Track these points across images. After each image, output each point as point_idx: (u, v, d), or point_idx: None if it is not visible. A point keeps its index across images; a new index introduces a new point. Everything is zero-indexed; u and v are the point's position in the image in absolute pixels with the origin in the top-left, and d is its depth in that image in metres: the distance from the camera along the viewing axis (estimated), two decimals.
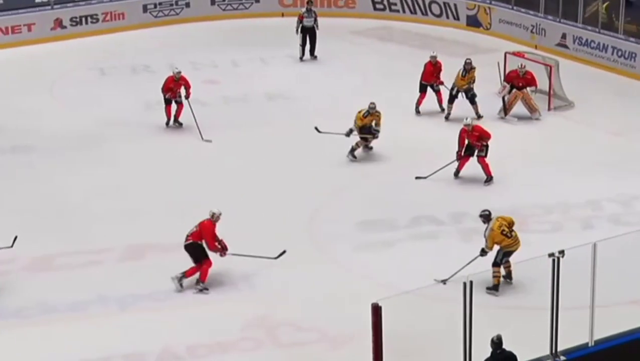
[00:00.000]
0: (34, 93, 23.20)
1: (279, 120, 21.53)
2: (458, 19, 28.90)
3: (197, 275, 14.92)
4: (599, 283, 11.42)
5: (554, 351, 11.60)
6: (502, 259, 14.57)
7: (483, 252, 14.59)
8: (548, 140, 20.71)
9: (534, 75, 21.42)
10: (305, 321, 14.07)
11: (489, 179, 18.30)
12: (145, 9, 29.46)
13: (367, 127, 19.27)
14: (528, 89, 21.47)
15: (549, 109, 22.05)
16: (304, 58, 25.92)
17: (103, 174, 19.04)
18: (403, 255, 15.88)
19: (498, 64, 22.39)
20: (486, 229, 14.57)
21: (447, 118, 21.54)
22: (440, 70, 21.65)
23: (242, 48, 26.90)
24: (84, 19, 28.67)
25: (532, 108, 21.57)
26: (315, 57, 25.95)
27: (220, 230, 15.57)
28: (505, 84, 21.59)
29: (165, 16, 29.71)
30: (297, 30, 25.70)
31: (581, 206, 17.44)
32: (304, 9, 26.02)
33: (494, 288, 14.46)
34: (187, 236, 14.98)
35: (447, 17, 29.09)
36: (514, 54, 23.13)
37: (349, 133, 19.23)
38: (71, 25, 28.48)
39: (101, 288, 15.00)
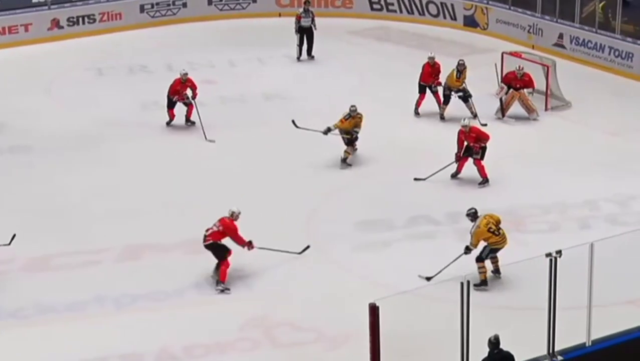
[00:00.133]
0: (31, 93, 23.19)
1: (277, 120, 21.51)
2: (455, 19, 28.92)
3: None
4: (596, 283, 11.44)
5: (551, 351, 11.61)
6: (487, 255, 14.68)
7: (467, 250, 14.69)
8: (545, 140, 20.73)
9: (531, 77, 21.43)
10: (303, 321, 14.08)
11: (484, 181, 18.30)
12: (142, 9, 29.47)
13: (347, 130, 19.15)
14: (525, 90, 21.48)
15: (546, 109, 22.07)
16: (302, 58, 25.94)
17: (101, 174, 19.05)
18: (400, 255, 15.89)
19: (495, 65, 22.40)
20: (472, 227, 14.62)
21: (442, 118, 21.54)
22: (438, 71, 21.64)
23: (239, 48, 26.92)
24: (81, 19, 28.68)
25: (529, 109, 21.59)
26: (313, 57, 25.97)
27: None
28: (502, 85, 21.60)
29: (163, 16, 29.72)
30: (295, 30, 25.70)
31: (578, 206, 17.46)
32: (301, 9, 26.03)
33: (482, 284, 14.53)
34: (206, 236, 14.99)
35: (444, 17, 29.11)
36: (511, 54, 23.16)
37: (326, 132, 19.06)
38: (68, 25, 28.49)
39: (99, 288, 15.00)
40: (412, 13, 29.60)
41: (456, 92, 21.38)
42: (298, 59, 25.89)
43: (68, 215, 17.45)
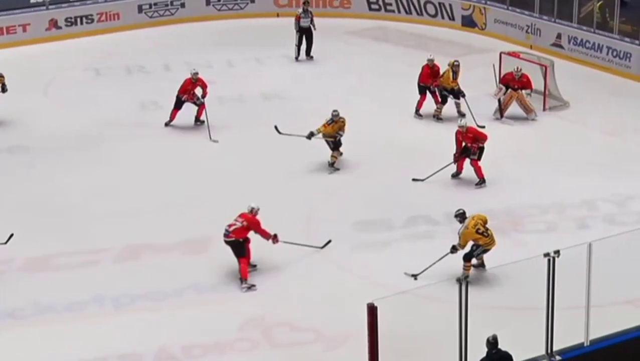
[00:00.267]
0: (29, 93, 23.18)
1: (275, 120, 21.47)
2: (453, 19, 28.93)
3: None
4: (594, 283, 11.45)
5: (549, 351, 11.63)
6: (478, 255, 14.79)
7: (454, 249, 14.78)
8: (543, 140, 20.74)
9: (529, 78, 21.43)
10: (302, 321, 14.09)
11: (480, 182, 18.31)
12: (140, 9, 29.47)
13: (331, 135, 19.08)
14: (524, 91, 21.48)
15: (544, 109, 22.08)
16: (300, 58, 25.93)
17: (100, 174, 19.05)
18: (399, 255, 15.90)
19: (493, 66, 22.39)
20: (461, 228, 14.70)
21: (439, 119, 21.56)
22: (437, 73, 21.61)
23: (237, 48, 26.93)
24: (79, 20, 28.67)
25: (527, 109, 21.59)
26: (312, 57, 25.96)
27: (218, 231, 15.62)
28: (501, 86, 21.60)
29: (161, 16, 29.71)
30: (296, 31, 25.68)
31: (576, 206, 17.48)
32: (300, 10, 26.02)
33: (465, 278, 14.61)
34: (229, 232, 15.04)
35: (443, 17, 29.11)
36: (509, 54, 23.15)
37: (310, 136, 18.92)
38: (66, 25, 28.49)
39: (98, 288, 15.01)
40: (410, 13, 29.60)
41: (449, 91, 21.41)
42: (296, 59, 25.89)
43: (67, 215, 17.45)
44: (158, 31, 29.00)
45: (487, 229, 14.77)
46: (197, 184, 18.58)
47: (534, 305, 12.08)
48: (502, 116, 21.58)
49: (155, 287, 15.01)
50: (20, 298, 14.81)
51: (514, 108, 21.64)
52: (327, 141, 19.03)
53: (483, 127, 20.22)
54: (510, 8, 27.60)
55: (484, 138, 18.28)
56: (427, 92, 21.67)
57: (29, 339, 13.83)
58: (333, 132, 18.95)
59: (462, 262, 14.83)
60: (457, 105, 21.50)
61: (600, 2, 25.45)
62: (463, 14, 28.71)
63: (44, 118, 22.08)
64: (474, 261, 14.89)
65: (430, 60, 21.60)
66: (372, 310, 10.46)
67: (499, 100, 21.54)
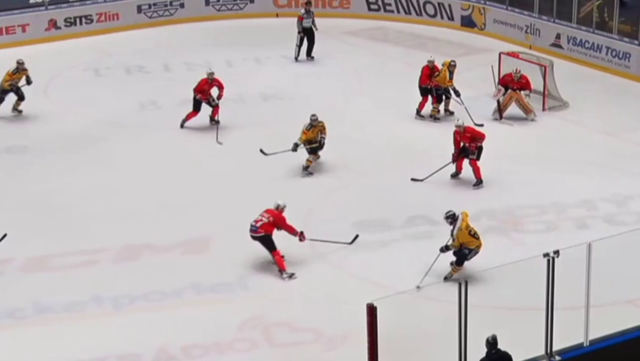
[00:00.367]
0: (29, 93, 23.09)
1: (274, 121, 21.54)
2: (452, 19, 28.92)
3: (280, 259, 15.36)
4: (594, 283, 11.44)
5: (549, 351, 11.62)
6: (470, 258, 14.78)
7: (446, 249, 14.81)
8: (542, 140, 20.74)
9: (528, 79, 21.41)
10: (301, 321, 14.09)
11: (478, 182, 18.30)
12: (139, 9, 29.46)
13: (314, 140, 18.99)
14: (523, 92, 21.47)
15: (544, 109, 22.07)
16: (299, 58, 25.91)
17: (98, 174, 19.05)
18: (398, 255, 15.90)
19: (492, 67, 22.37)
20: (454, 228, 14.70)
21: (437, 118, 21.55)
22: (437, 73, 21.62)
23: (236, 48, 26.93)
24: (78, 20, 28.66)
25: (526, 109, 21.59)
26: (313, 57, 25.93)
27: (218, 231, 15.65)
28: (500, 87, 21.60)
29: (160, 17, 29.70)
30: (298, 31, 25.64)
31: (576, 206, 17.48)
32: (302, 10, 25.98)
33: (451, 276, 14.72)
34: (257, 228, 15.22)
35: (442, 17, 29.11)
36: (509, 54, 23.14)
37: (295, 148, 18.80)
38: (65, 25, 28.48)
39: (97, 288, 15.00)
40: (410, 13, 29.60)
41: (444, 90, 21.41)
42: (296, 59, 25.86)
43: (66, 215, 17.45)
44: (157, 31, 29.00)
45: (475, 230, 14.80)
46: (196, 184, 18.57)
47: (533, 305, 12.08)
48: (501, 117, 21.57)
49: (154, 287, 15.00)
50: (20, 298, 14.80)
51: (513, 109, 21.63)
52: (306, 148, 18.86)
53: (481, 125, 20.23)
54: (509, 8, 27.58)
55: (481, 137, 18.27)
56: (429, 94, 21.64)
57: (28, 339, 13.83)
58: (314, 137, 18.87)
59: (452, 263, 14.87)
60: (446, 105, 21.52)
61: (598, 2, 25.45)
62: (462, 14, 28.71)
63: (43, 118, 22.08)
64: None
65: (431, 62, 21.58)
66: (371, 310, 10.45)
67: (498, 101, 21.53)
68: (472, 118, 20.53)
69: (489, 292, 14.51)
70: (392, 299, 10.72)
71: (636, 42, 24.37)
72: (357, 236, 16.18)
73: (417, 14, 29.47)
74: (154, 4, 29.61)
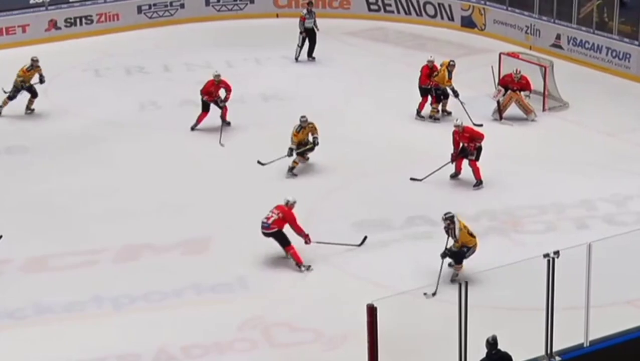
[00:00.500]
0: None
1: (274, 121, 21.53)
2: (453, 19, 28.92)
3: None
4: (594, 283, 11.44)
5: (549, 351, 11.62)
6: (468, 257, 14.76)
7: (448, 252, 14.74)
8: (542, 140, 20.74)
9: (528, 80, 21.41)
10: (301, 321, 14.08)
11: (478, 183, 18.29)
12: (139, 10, 29.47)
13: (305, 142, 19.00)
14: (522, 93, 21.47)
15: (544, 110, 22.07)
16: (300, 59, 25.90)
17: (98, 175, 19.05)
18: (398, 255, 15.90)
19: (492, 68, 22.36)
20: (454, 230, 14.66)
21: (436, 119, 21.54)
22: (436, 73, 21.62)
23: (236, 49, 26.93)
24: (78, 20, 28.67)
25: (527, 110, 21.58)
26: (314, 58, 25.91)
27: (218, 231, 15.62)
28: (500, 87, 21.59)
29: (160, 17, 29.71)
30: (300, 31, 25.63)
31: (576, 206, 17.48)
32: (304, 11, 25.96)
33: (457, 276, 14.72)
34: (269, 224, 15.32)
35: (442, 17, 29.11)
36: (509, 54, 23.14)
37: (290, 153, 18.81)
38: (66, 26, 28.50)
39: (97, 288, 14.99)
40: (410, 14, 29.60)
41: (443, 90, 21.41)
42: (296, 59, 25.84)
43: (66, 215, 17.44)
44: (157, 32, 29.01)
45: (470, 229, 14.88)
46: (196, 184, 18.57)
47: (533, 305, 12.07)
48: (501, 117, 21.56)
49: (154, 287, 15.00)
50: (20, 298, 14.80)
51: (513, 109, 21.63)
52: (300, 153, 18.85)
53: (480, 125, 20.22)
54: (509, 9, 27.59)
55: (480, 137, 18.26)
56: (429, 95, 21.63)
57: (28, 339, 13.82)
58: (304, 138, 18.87)
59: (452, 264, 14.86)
60: (444, 105, 21.54)
61: (598, 2, 25.45)
62: (462, 14, 28.71)
63: (43, 119, 22.09)
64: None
65: (430, 61, 21.58)
66: (371, 311, 10.45)
67: (498, 102, 21.53)
68: (470, 119, 20.53)
69: (489, 292, 14.49)
70: (392, 299, 10.71)
71: (636, 42, 24.38)
72: (365, 238, 16.14)
73: (417, 15, 29.47)
74: (154, 5, 29.62)
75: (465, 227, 14.74)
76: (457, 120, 18.71)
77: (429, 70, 21.55)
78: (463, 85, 21.75)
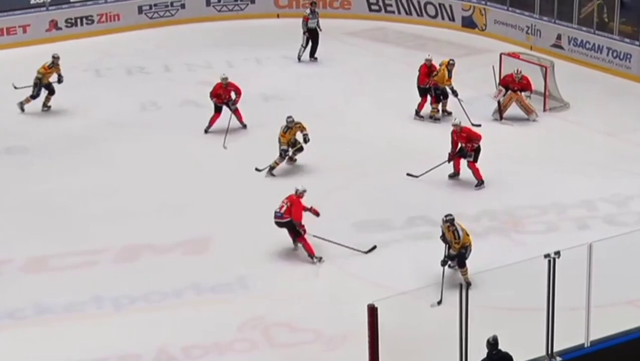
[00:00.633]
0: (29, 94, 23.12)
1: (275, 121, 21.45)
2: (453, 20, 28.91)
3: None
4: (594, 283, 11.43)
5: (550, 352, 11.60)
6: (468, 257, 14.71)
7: (449, 258, 14.62)
8: (543, 140, 20.72)
9: (529, 80, 21.39)
10: (301, 321, 14.07)
11: (479, 183, 18.27)
12: (140, 10, 29.46)
13: (293, 141, 18.97)
14: (523, 93, 21.45)
15: (544, 110, 22.06)
16: (302, 59, 25.86)
17: (98, 175, 19.04)
18: (399, 255, 15.88)
19: (493, 67, 22.33)
20: (458, 231, 14.56)
21: (436, 119, 21.53)
22: (435, 72, 21.59)
23: (237, 49, 26.92)
24: (79, 20, 28.67)
25: (528, 110, 21.56)
26: (316, 58, 25.88)
27: (218, 231, 15.58)
28: (500, 87, 21.57)
29: (161, 17, 29.70)
30: (304, 32, 25.60)
31: (576, 206, 17.46)
32: (307, 11, 25.94)
33: (469, 284, 14.53)
34: (282, 214, 15.51)
35: (443, 18, 29.09)
36: (509, 54, 23.13)
37: (284, 155, 18.84)
38: (66, 26, 28.49)
39: (97, 289, 14.98)
40: (410, 14, 29.59)
41: (442, 90, 21.39)
42: (299, 59, 25.81)
43: (67, 215, 17.43)
44: (158, 32, 29.00)
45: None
46: (196, 184, 18.56)
47: (534, 305, 12.05)
48: (501, 117, 21.55)
49: (154, 288, 14.99)
50: (20, 298, 14.79)
51: (514, 110, 21.61)
52: (284, 150, 18.85)
53: (479, 125, 20.20)
54: (510, 9, 27.57)
55: (477, 138, 18.24)
56: (428, 94, 21.61)
57: (28, 339, 13.82)
58: (291, 138, 18.86)
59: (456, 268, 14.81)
60: (444, 105, 21.53)
61: (598, 2, 25.44)
62: (463, 14, 28.69)
63: (44, 119, 22.08)
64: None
65: (428, 60, 21.57)
66: (372, 311, 10.44)
67: (499, 102, 21.51)
68: (469, 118, 20.51)
69: (489, 293, 14.47)
70: (392, 300, 10.71)
71: (637, 42, 24.36)
72: (374, 247, 16.00)
73: (417, 15, 29.46)
74: (155, 5, 29.61)
75: (463, 228, 14.69)
76: (455, 119, 18.71)
77: (427, 69, 21.54)
78: (464, 86, 21.74)
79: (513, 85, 21.35)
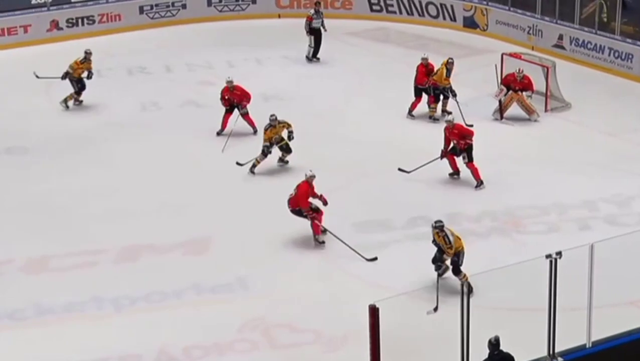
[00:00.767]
0: (30, 94, 23.16)
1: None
2: (455, 20, 28.89)
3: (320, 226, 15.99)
4: (596, 284, 11.41)
5: (551, 352, 11.58)
6: (462, 263, 14.55)
7: (443, 266, 14.55)
8: (544, 140, 20.69)
9: (531, 80, 21.36)
10: (301, 322, 14.04)
11: (479, 184, 18.23)
12: (141, 10, 29.46)
13: (278, 139, 18.95)
14: (525, 93, 21.42)
15: (546, 110, 22.03)
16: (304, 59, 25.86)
17: (99, 175, 19.02)
18: (399, 255, 15.85)
19: (495, 66, 22.33)
20: (450, 235, 14.43)
21: (435, 119, 21.49)
22: (432, 71, 21.55)
23: (238, 49, 26.91)
24: (80, 20, 28.67)
25: (529, 110, 21.53)
26: (319, 59, 25.85)
27: (218, 231, 15.53)
28: (502, 87, 21.55)
29: (162, 17, 29.69)
30: (306, 32, 25.57)
31: (577, 207, 17.43)
32: (312, 10, 25.90)
33: (471, 290, 14.42)
34: (289, 203, 15.86)
35: (444, 18, 29.08)
36: (511, 55, 23.10)
37: (265, 151, 18.84)
38: (67, 26, 28.49)
39: (97, 289, 14.96)
40: (412, 14, 29.57)
41: (442, 90, 21.37)
42: (307, 59, 25.73)
43: (67, 215, 17.41)
44: (159, 32, 28.99)
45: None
46: (196, 185, 18.54)
47: (535, 306, 12.02)
48: (501, 117, 21.52)
49: (154, 288, 14.97)
50: (20, 299, 14.77)
51: (516, 110, 21.58)
52: (266, 147, 18.87)
53: (471, 125, 20.16)
54: (511, 9, 27.55)
55: (469, 134, 18.19)
56: (423, 95, 21.57)
57: (28, 340, 13.79)
58: (273, 136, 18.84)
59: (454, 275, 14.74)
60: (444, 105, 21.50)
61: (599, 2, 25.41)
62: (465, 15, 28.67)
63: (44, 119, 22.07)
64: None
65: (425, 59, 21.55)
66: (373, 311, 10.41)
67: (500, 102, 21.49)
68: (463, 118, 20.45)
69: (491, 293, 14.44)
70: (393, 300, 10.68)
71: (639, 43, 24.34)
72: (376, 258, 15.82)
73: (419, 15, 29.44)
74: (156, 5, 29.61)
75: (452, 233, 14.58)
76: (448, 116, 18.69)
77: (424, 68, 21.50)
78: (464, 86, 21.72)
79: (515, 84, 21.33)
